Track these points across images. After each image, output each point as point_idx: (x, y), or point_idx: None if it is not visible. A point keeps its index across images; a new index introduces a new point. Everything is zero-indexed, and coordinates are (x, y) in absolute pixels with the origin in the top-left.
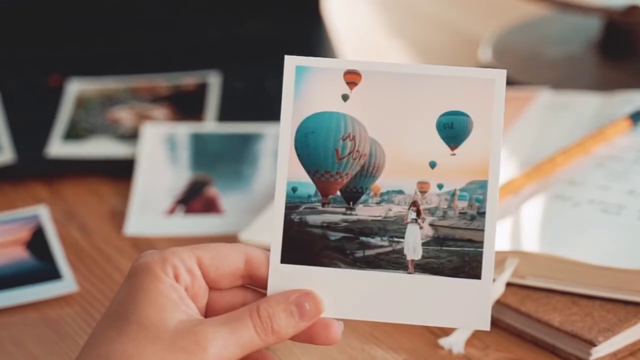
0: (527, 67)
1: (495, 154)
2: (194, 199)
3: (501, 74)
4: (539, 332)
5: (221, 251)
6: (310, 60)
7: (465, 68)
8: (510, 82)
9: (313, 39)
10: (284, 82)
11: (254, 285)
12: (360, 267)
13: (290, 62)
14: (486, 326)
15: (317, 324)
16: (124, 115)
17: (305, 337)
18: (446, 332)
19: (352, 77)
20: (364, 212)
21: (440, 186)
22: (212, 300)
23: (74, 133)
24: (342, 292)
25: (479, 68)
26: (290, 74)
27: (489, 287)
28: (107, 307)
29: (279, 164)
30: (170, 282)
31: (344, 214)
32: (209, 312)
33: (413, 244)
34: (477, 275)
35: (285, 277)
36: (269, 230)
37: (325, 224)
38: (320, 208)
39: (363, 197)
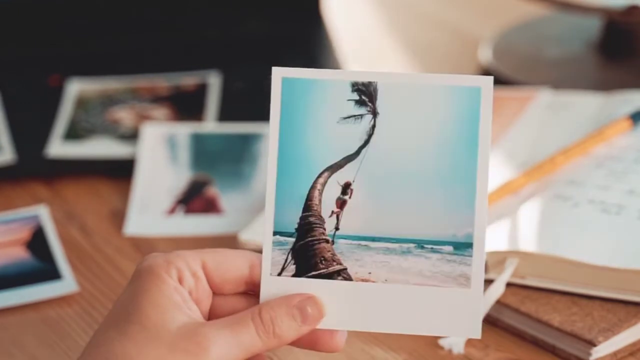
0: (527, 67)
1: (483, 161)
2: (194, 199)
3: (488, 81)
4: (539, 332)
5: (226, 256)
6: (298, 71)
7: (451, 75)
8: (510, 82)
9: (313, 39)
10: (272, 93)
11: (258, 292)
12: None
13: (278, 74)
14: (477, 334)
15: (321, 331)
16: (124, 115)
17: (309, 343)
18: None
19: None
20: None
21: None
22: (216, 305)
23: (74, 133)
24: (334, 304)
25: (465, 75)
26: (277, 85)
27: (480, 296)
28: (110, 308)
29: (268, 174)
30: (174, 284)
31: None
32: (212, 317)
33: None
34: (467, 285)
35: (277, 289)
36: None
37: None
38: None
39: None
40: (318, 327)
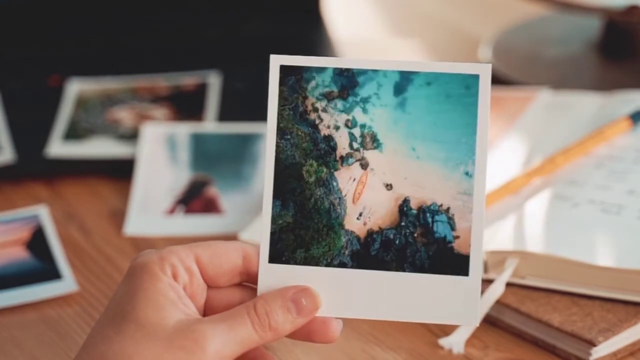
0: (527, 67)
1: (481, 150)
2: (194, 199)
3: (486, 69)
4: (539, 332)
5: (219, 249)
6: (296, 59)
7: (450, 63)
8: (510, 82)
9: (313, 39)
10: (270, 82)
11: (252, 282)
12: (351, 266)
13: (275, 62)
14: (475, 322)
15: (316, 322)
16: (124, 115)
17: (304, 335)
18: (446, 332)
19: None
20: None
21: None
22: (210, 298)
23: (74, 133)
24: (332, 291)
25: (463, 63)
26: (275, 73)
27: (478, 284)
28: (106, 306)
29: (266, 163)
30: (168, 281)
31: None
32: (207, 310)
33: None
34: (466, 273)
35: (275, 277)
36: None
37: None
38: None
39: None
40: (316, 314)
